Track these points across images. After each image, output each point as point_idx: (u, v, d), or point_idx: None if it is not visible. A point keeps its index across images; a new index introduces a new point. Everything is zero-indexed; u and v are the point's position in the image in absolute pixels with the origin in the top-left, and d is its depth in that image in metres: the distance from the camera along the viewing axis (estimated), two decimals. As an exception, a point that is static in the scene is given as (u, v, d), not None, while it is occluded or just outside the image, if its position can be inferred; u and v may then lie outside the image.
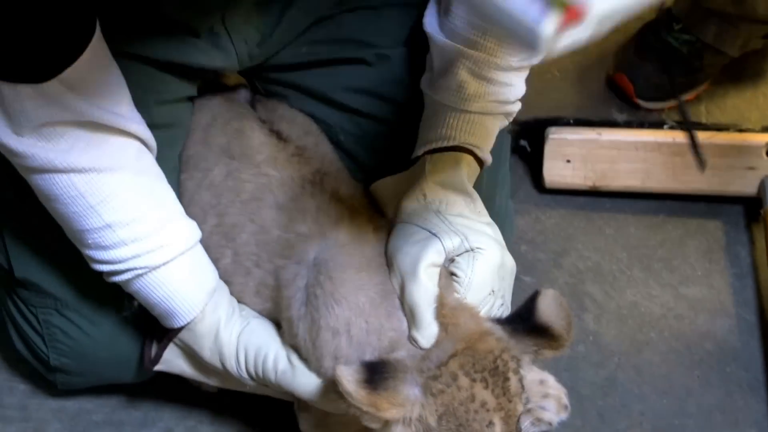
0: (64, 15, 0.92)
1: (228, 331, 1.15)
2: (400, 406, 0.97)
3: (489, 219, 1.14)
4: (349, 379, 0.96)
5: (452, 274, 1.06)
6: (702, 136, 1.65)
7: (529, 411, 1.40)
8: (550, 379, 1.43)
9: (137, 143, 1.10)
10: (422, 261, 1.04)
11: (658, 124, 1.72)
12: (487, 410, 0.98)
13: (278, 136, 1.23)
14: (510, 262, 1.11)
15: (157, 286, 1.12)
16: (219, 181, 1.21)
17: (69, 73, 0.95)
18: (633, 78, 1.77)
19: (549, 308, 1.05)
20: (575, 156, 1.66)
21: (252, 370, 1.14)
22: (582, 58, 1.86)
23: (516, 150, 1.70)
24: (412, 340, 1.03)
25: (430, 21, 1.16)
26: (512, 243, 1.45)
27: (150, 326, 1.21)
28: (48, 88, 0.95)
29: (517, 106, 1.19)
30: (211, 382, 1.23)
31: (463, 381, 0.98)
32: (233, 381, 1.18)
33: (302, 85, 1.28)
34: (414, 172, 1.15)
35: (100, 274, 1.13)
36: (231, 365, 1.15)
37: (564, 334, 1.05)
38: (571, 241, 1.65)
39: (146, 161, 1.12)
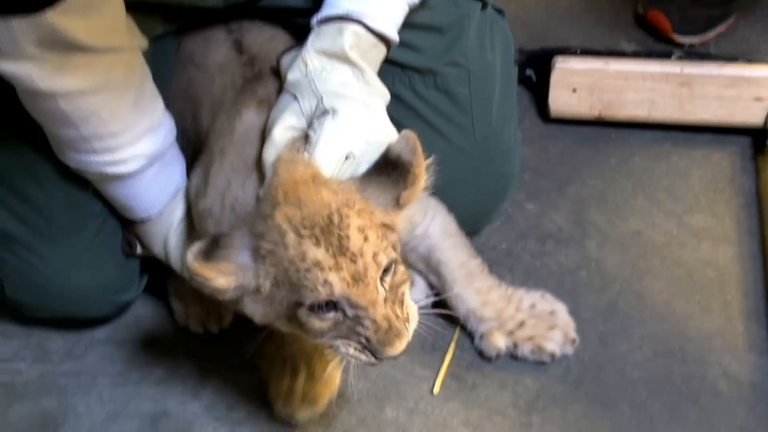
0: None
1: (175, 237, 1.25)
2: (230, 275, 0.98)
3: (383, 91, 1.14)
4: (193, 252, 0.98)
5: (307, 135, 1.06)
6: (711, 66, 1.65)
7: (531, 339, 1.43)
8: (562, 311, 1.44)
9: (127, 56, 1.11)
10: (278, 123, 1.07)
11: (665, 54, 1.71)
12: (321, 269, 0.95)
13: (239, 46, 1.27)
14: (384, 131, 1.09)
15: (122, 187, 1.20)
16: (182, 88, 1.28)
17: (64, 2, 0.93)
18: (668, 13, 1.76)
19: (399, 144, 1.02)
20: (581, 85, 1.66)
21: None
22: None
23: (522, 80, 1.70)
24: (257, 199, 1.05)
25: None
26: (517, 172, 1.48)
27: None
28: (39, 17, 0.95)
29: None
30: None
31: (291, 238, 0.96)
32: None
33: (298, 24, 1.29)
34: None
35: (68, 178, 1.22)
36: (174, 265, 1.27)
37: (411, 160, 1.01)
38: (576, 170, 1.66)
39: (135, 72, 1.14)
